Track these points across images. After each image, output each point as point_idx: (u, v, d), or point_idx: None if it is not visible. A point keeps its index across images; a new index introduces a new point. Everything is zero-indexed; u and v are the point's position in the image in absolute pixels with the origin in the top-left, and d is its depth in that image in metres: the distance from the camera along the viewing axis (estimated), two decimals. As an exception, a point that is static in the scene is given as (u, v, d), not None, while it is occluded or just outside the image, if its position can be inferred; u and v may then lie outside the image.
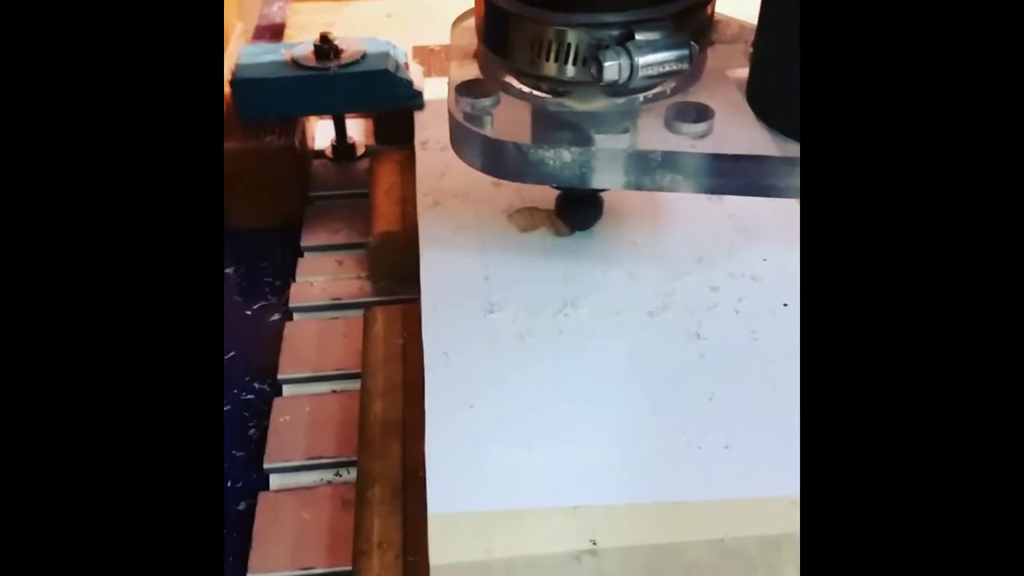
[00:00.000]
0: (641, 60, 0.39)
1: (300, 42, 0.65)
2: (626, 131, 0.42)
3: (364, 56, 0.63)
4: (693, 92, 0.44)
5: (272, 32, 0.90)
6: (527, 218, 0.52)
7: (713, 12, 0.44)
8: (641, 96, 0.43)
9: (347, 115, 0.71)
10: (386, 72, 0.62)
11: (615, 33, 0.40)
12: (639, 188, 0.42)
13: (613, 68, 0.39)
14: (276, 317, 0.58)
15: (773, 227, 0.51)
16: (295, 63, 0.62)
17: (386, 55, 0.63)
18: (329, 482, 0.47)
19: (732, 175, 0.40)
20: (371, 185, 0.62)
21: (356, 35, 0.66)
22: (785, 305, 0.45)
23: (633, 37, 0.39)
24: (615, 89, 0.41)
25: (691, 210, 0.53)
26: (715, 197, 0.53)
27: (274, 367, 0.53)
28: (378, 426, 0.45)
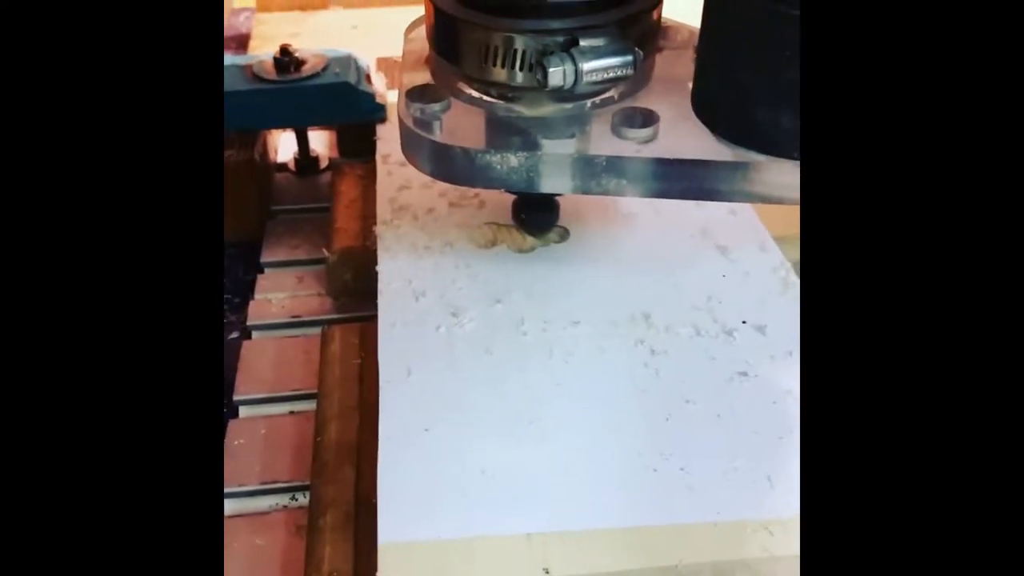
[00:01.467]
0: (585, 66, 0.39)
1: (260, 54, 0.63)
2: (573, 136, 0.42)
3: (326, 68, 0.62)
4: (641, 97, 0.44)
5: (238, 42, 0.88)
6: (488, 234, 0.51)
7: (660, 18, 0.44)
8: (589, 102, 0.43)
9: (310, 128, 0.70)
10: (347, 84, 0.61)
11: (560, 39, 0.40)
12: (586, 192, 0.41)
13: (558, 73, 0.39)
14: (234, 335, 0.57)
15: (731, 242, 0.51)
16: (255, 75, 0.61)
17: (348, 66, 0.62)
18: (284, 507, 0.46)
19: (676, 179, 0.40)
20: (332, 199, 0.61)
21: (322, 46, 0.65)
22: (744, 322, 0.45)
23: (577, 43, 0.40)
24: (562, 94, 0.41)
25: (651, 225, 0.53)
26: (676, 212, 0.53)
27: (231, 388, 0.52)
28: (332, 449, 0.44)
